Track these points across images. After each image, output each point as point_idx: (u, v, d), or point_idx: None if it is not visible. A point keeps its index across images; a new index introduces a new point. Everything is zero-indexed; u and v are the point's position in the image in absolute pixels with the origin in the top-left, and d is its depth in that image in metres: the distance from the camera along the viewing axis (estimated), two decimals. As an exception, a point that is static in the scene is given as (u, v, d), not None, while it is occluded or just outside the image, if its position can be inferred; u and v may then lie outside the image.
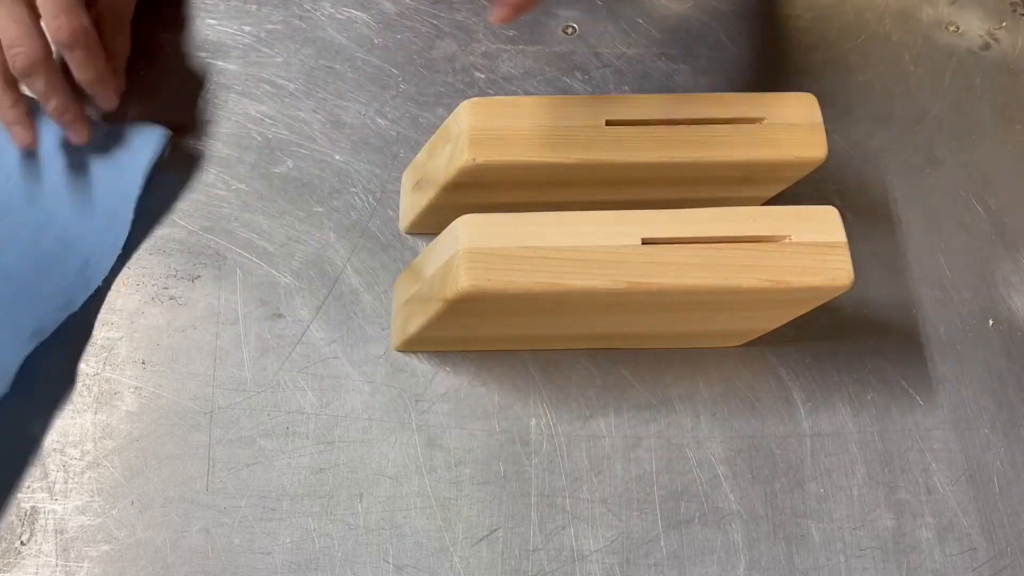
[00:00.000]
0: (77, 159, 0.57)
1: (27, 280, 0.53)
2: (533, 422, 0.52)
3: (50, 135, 0.58)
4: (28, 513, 0.49)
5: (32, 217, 0.56)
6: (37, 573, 0.48)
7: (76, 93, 0.55)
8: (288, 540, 0.49)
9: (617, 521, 0.50)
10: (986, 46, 0.66)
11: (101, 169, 0.57)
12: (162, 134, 0.58)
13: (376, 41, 0.64)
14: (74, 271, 0.54)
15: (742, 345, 0.54)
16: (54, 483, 0.50)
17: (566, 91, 0.62)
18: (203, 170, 0.59)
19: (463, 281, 0.43)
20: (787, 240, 0.44)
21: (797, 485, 0.51)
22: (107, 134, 0.58)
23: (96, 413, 0.52)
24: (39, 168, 0.57)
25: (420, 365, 0.53)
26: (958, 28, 0.66)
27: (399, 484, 0.50)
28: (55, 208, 0.56)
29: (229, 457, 0.51)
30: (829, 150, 0.49)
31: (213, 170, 0.59)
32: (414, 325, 0.50)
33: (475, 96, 0.56)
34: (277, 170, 0.59)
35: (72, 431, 0.51)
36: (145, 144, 0.57)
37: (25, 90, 0.55)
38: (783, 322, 0.51)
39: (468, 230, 0.44)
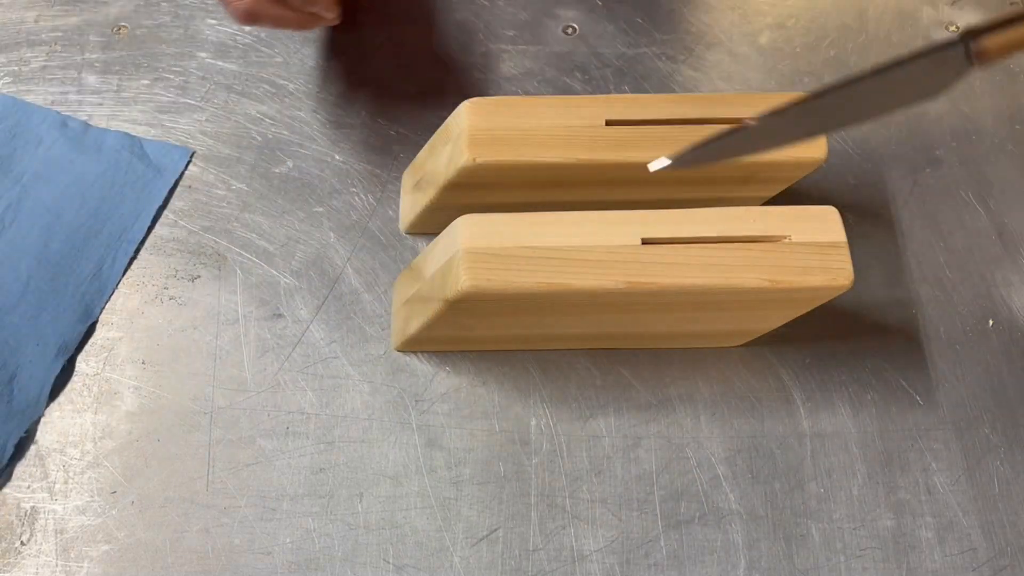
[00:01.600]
0: (92, 167, 0.58)
1: (45, 289, 0.54)
2: (533, 422, 0.52)
3: (64, 141, 0.59)
4: (28, 513, 0.49)
5: (40, 220, 0.56)
6: (37, 573, 0.48)
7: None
8: (288, 540, 0.49)
9: (617, 521, 0.50)
10: (986, 46, 0.66)
11: (121, 179, 0.58)
12: (186, 154, 0.59)
13: (376, 41, 0.64)
14: (88, 275, 0.55)
15: (742, 345, 0.54)
16: (54, 483, 0.50)
17: (566, 91, 0.62)
18: (203, 170, 0.59)
19: (463, 281, 0.43)
20: (787, 240, 0.44)
21: (797, 485, 0.51)
22: (131, 147, 0.59)
23: (96, 413, 0.52)
24: (48, 174, 0.58)
25: (420, 365, 0.53)
26: (958, 28, 0.66)
27: (399, 484, 0.50)
28: (61, 210, 0.56)
29: (229, 457, 0.51)
30: (829, 150, 0.49)
31: (213, 170, 0.59)
32: (414, 325, 0.50)
33: (475, 96, 0.56)
34: (277, 170, 0.59)
35: (72, 431, 0.51)
36: (170, 163, 0.59)
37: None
38: (783, 322, 0.51)
39: (468, 230, 0.44)
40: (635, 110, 0.49)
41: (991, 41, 0.36)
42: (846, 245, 0.44)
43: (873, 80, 0.37)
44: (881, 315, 0.56)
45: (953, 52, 0.36)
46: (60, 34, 0.64)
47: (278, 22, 0.52)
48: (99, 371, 0.53)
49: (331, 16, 0.54)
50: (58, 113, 0.60)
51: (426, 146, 0.55)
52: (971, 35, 0.36)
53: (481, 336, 0.51)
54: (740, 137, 0.41)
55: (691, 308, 0.47)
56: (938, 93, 0.37)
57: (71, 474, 0.50)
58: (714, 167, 0.49)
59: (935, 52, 0.36)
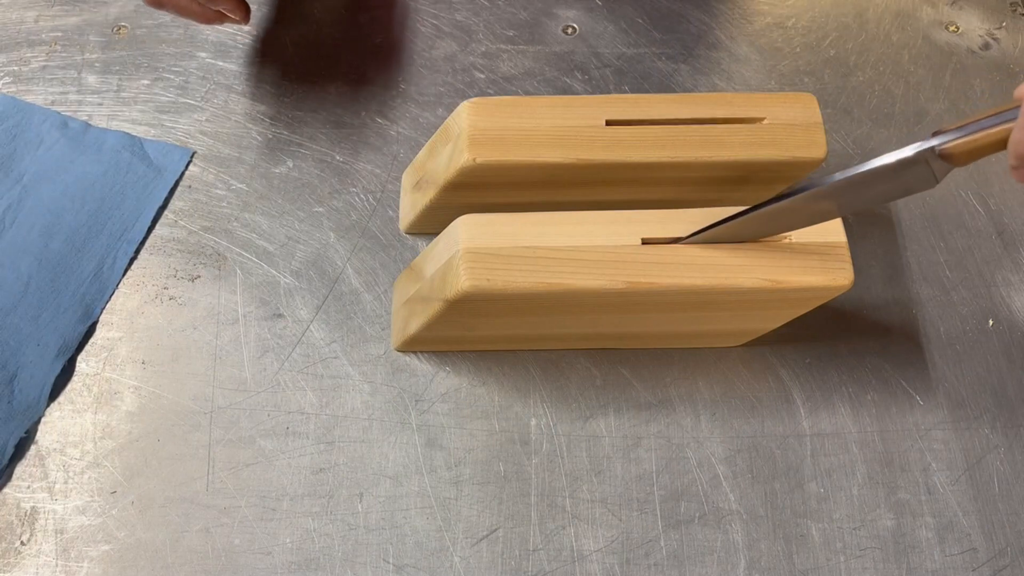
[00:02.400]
0: (93, 167, 0.58)
1: (46, 289, 0.54)
2: (533, 422, 0.52)
3: (65, 142, 0.59)
4: (28, 513, 0.49)
5: (40, 220, 0.56)
6: (37, 573, 0.48)
7: None
8: (288, 540, 0.49)
9: (617, 521, 0.50)
10: (986, 46, 0.66)
11: (121, 179, 0.58)
12: (187, 154, 0.59)
13: (376, 41, 0.64)
14: (89, 275, 0.55)
15: (742, 345, 0.54)
16: (54, 483, 0.50)
17: (566, 91, 0.62)
18: (203, 170, 0.59)
19: (463, 281, 0.43)
20: (787, 240, 0.44)
21: (797, 485, 0.51)
22: (131, 147, 0.59)
23: (96, 413, 0.52)
24: (49, 174, 0.58)
25: (420, 365, 0.53)
26: (958, 28, 0.66)
27: (399, 484, 0.50)
28: (62, 211, 0.56)
29: (229, 457, 0.51)
30: (829, 150, 0.49)
31: (213, 170, 0.59)
32: (414, 325, 0.50)
33: (475, 96, 0.56)
34: (277, 170, 0.59)
35: (72, 431, 0.51)
36: (171, 163, 0.59)
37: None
38: (783, 322, 0.51)
39: (468, 230, 0.44)
40: (635, 110, 0.49)
41: (956, 147, 0.36)
42: (846, 245, 0.44)
43: (861, 178, 0.39)
44: (881, 315, 0.56)
45: (929, 154, 0.37)
46: (60, 34, 0.64)
47: (182, 11, 0.54)
48: (99, 371, 0.53)
49: (236, 17, 0.55)
50: (59, 114, 0.60)
51: (426, 146, 0.55)
52: (939, 136, 0.37)
53: (481, 336, 0.51)
54: (750, 220, 0.43)
55: (691, 308, 0.47)
56: (931, 185, 0.39)
57: (71, 474, 0.50)
58: (713, 168, 0.49)
59: (912, 155, 0.38)
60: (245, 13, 0.56)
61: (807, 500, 0.50)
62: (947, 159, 0.37)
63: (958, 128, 0.36)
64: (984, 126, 0.35)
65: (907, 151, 0.38)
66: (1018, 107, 0.35)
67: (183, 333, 0.54)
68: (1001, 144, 0.35)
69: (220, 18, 0.55)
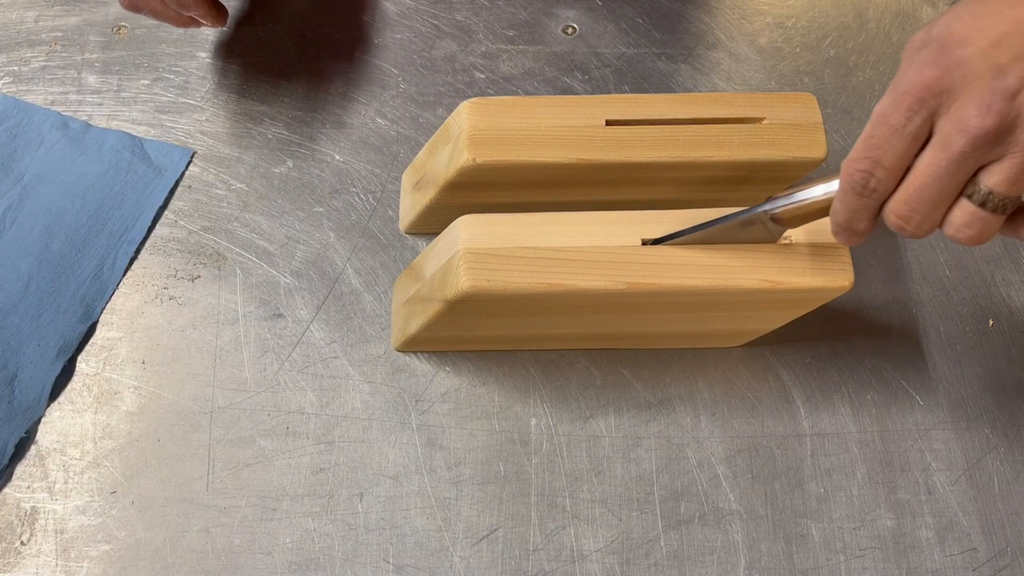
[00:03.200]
0: (93, 167, 0.58)
1: (46, 290, 0.54)
2: (533, 422, 0.52)
3: (66, 142, 0.59)
4: (28, 513, 0.49)
5: (41, 220, 0.56)
6: (37, 573, 0.48)
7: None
8: (288, 540, 0.49)
9: (617, 521, 0.50)
10: (986, 46, 0.66)
11: (122, 179, 0.58)
12: (187, 154, 0.59)
13: (376, 41, 0.64)
14: (89, 275, 0.55)
15: (742, 345, 0.54)
16: (54, 483, 0.50)
17: (566, 91, 0.62)
18: (203, 170, 0.59)
19: (463, 281, 0.43)
20: (787, 240, 0.44)
21: (797, 485, 0.51)
22: (131, 147, 0.59)
23: (96, 413, 0.52)
24: (49, 174, 0.58)
25: (420, 365, 0.53)
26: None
27: (399, 484, 0.50)
28: (62, 211, 0.56)
29: (229, 457, 0.51)
30: (829, 150, 0.49)
31: (213, 170, 0.59)
32: (414, 325, 0.50)
33: (475, 96, 0.56)
34: (277, 170, 0.59)
35: (72, 431, 0.51)
36: (171, 163, 0.59)
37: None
38: (783, 322, 0.51)
39: (468, 230, 0.44)
40: (635, 110, 0.49)
41: (784, 212, 0.40)
42: (846, 246, 0.44)
43: (716, 231, 0.43)
44: (881, 315, 0.56)
45: (764, 216, 0.41)
46: (60, 34, 0.64)
47: (157, 15, 0.55)
48: (99, 371, 0.53)
49: (208, 22, 0.56)
50: (59, 114, 0.60)
51: (426, 146, 0.55)
52: (771, 201, 0.40)
53: (481, 336, 0.51)
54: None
55: (691, 308, 0.47)
56: (772, 240, 0.43)
57: (71, 474, 0.50)
58: (713, 168, 0.49)
59: (750, 215, 0.41)
60: (217, 17, 0.56)
61: (807, 500, 0.50)
62: (778, 222, 0.41)
63: (788, 194, 0.40)
64: (810, 195, 0.39)
65: (746, 212, 0.42)
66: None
67: (183, 333, 0.54)
68: (825, 211, 0.39)
69: (195, 23, 0.56)
